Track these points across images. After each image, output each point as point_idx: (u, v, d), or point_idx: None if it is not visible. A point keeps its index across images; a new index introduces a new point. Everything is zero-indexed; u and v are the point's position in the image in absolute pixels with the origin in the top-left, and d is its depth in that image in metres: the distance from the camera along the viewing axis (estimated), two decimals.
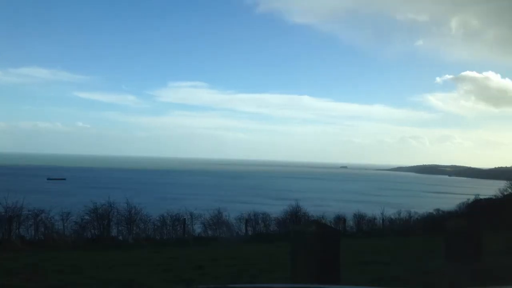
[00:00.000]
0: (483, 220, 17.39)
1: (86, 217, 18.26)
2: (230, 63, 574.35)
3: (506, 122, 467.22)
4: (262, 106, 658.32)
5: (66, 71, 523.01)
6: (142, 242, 17.71)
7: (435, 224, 20.94)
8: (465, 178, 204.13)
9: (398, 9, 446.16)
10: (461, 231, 6.85)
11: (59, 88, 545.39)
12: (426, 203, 50.80)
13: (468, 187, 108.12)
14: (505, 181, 34.59)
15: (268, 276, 9.29)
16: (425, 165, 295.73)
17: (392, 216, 26.55)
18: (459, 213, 27.35)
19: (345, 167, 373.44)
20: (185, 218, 20.17)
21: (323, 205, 45.80)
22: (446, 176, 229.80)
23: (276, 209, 24.76)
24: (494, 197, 32.96)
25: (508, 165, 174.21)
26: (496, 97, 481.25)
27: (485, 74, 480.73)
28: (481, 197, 34.90)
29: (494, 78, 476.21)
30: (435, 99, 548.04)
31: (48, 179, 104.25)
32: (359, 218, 24.55)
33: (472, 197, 34.32)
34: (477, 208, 27.88)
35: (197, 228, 20.84)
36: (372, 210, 27.07)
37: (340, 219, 23.61)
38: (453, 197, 60.31)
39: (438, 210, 28.91)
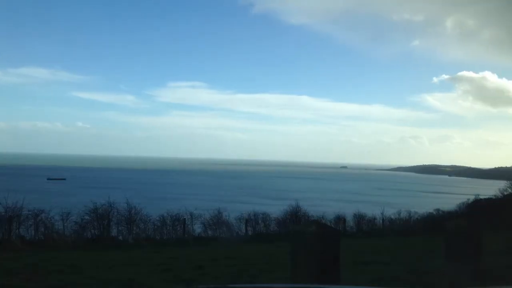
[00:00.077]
0: (483, 220, 17.41)
1: (86, 217, 18.27)
2: (229, 63, 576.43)
3: (505, 122, 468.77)
4: (261, 106, 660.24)
5: (65, 71, 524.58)
6: (142, 242, 17.70)
7: (435, 224, 20.94)
8: (465, 178, 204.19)
9: (393, 10, 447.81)
10: (461, 231, 6.84)
11: (59, 88, 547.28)
12: (426, 203, 50.79)
13: (468, 187, 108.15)
14: (505, 181, 34.60)
15: (268, 276, 9.29)
16: (425, 165, 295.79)
17: (392, 216, 26.57)
18: (459, 213, 27.36)
19: (345, 167, 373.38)
20: (185, 218, 20.17)
21: (323, 205, 45.79)
22: (446, 176, 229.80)
23: (276, 209, 24.75)
24: (494, 197, 32.97)
25: (508, 165, 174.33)
26: (493, 97, 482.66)
27: (481, 74, 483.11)
28: (481, 197, 34.91)
29: (491, 78, 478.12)
30: (433, 99, 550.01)
31: (48, 179, 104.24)
32: (359, 218, 24.55)
33: (472, 197, 34.33)
34: (477, 208, 27.88)
35: (197, 228, 20.84)
36: (372, 210, 27.08)
37: (340, 219, 23.62)
38: (453, 197, 60.31)
39: (438, 210, 28.93)
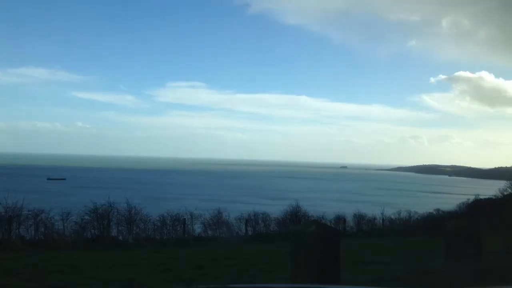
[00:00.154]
0: (483, 220, 17.40)
1: (86, 217, 18.26)
2: (227, 63, 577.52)
3: (504, 122, 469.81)
4: (261, 106, 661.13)
5: (65, 71, 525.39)
6: (142, 242, 17.70)
7: (435, 224, 20.93)
8: (465, 178, 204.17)
9: (389, 10, 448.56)
10: (461, 231, 6.84)
11: (58, 88, 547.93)
12: (425, 203, 50.79)
13: (468, 187, 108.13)
14: (505, 181, 34.58)
15: (268, 276, 9.29)
16: (425, 165, 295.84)
17: (392, 216, 26.56)
18: (459, 213, 27.35)
19: (345, 167, 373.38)
20: (185, 218, 20.17)
21: (323, 205, 45.80)
22: (446, 176, 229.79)
23: (276, 209, 24.74)
24: (494, 197, 32.94)
25: (508, 165, 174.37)
26: (490, 97, 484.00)
27: (478, 74, 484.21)
28: (481, 197, 34.88)
29: (488, 78, 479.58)
30: (431, 99, 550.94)
31: (48, 179, 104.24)
32: (359, 218, 24.54)
33: (472, 197, 34.31)
34: (477, 208, 27.86)
35: (197, 228, 20.84)
36: (372, 210, 27.07)
37: (340, 219, 23.61)
38: (453, 197, 60.32)
39: (438, 210, 28.91)
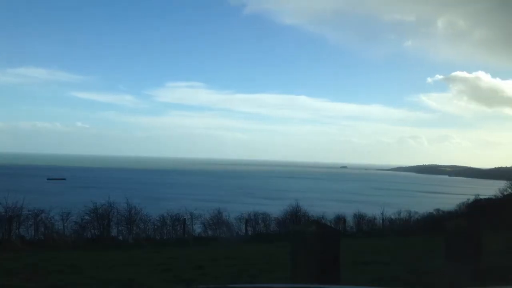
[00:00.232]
0: (483, 220, 17.40)
1: (86, 217, 18.26)
2: (226, 63, 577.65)
3: (502, 122, 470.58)
4: (260, 106, 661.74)
5: (64, 71, 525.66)
6: (142, 242, 17.70)
7: (435, 224, 20.93)
8: (465, 178, 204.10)
9: (384, 10, 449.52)
10: (461, 231, 6.84)
11: (58, 88, 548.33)
12: (425, 203, 50.75)
13: (468, 187, 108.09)
14: (505, 181, 34.57)
15: (268, 276, 9.29)
16: (425, 165, 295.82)
17: (392, 216, 26.56)
18: (459, 213, 27.35)
19: (345, 167, 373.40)
20: (185, 218, 20.17)
21: (323, 205, 45.77)
22: (446, 176, 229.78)
23: (276, 209, 24.73)
24: (494, 197, 32.93)
25: (508, 165, 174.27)
26: (487, 97, 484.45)
27: (475, 74, 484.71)
28: (481, 197, 34.86)
29: (485, 78, 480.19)
30: (429, 99, 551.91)
31: (48, 179, 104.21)
32: (359, 218, 24.55)
33: (472, 197, 34.30)
34: (477, 208, 27.85)
35: (197, 228, 20.84)
36: (372, 210, 27.06)
37: (340, 219, 23.61)
38: (453, 197, 60.30)
39: (438, 210, 28.91)
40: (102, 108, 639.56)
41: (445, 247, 6.87)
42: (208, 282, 8.59)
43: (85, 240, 17.50)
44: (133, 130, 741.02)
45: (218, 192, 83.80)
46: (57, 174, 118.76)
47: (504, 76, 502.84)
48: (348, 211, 26.56)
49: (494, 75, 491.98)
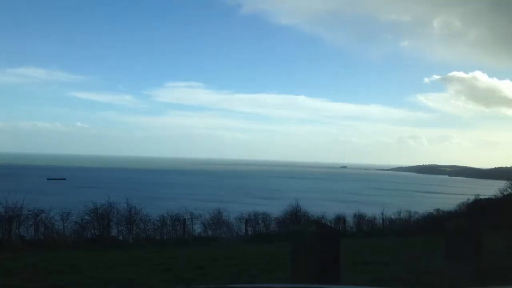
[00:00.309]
0: (483, 220, 17.40)
1: (86, 217, 18.27)
2: (224, 64, 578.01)
3: (501, 122, 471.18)
4: (260, 106, 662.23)
5: (63, 71, 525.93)
6: (142, 242, 17.70)
7: (435, 224, 20.93)
8: (465, 178, 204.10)
9: (380, 10, 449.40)
10: (461, 231, 6.84)
11: (57, 88, 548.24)
12: (425, 203, 50.77)
13: (468, 187, 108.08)
14: (505, 181, 34.56)
15: (268, 276, 9.29)
16: (425, 165, 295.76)
17: (392, 216, 26.56)
18: (459, 213, 27.34)
19: (345, 167, 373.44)
20: (185, 218, 20.17)
21: (321, 205, 45.78)
22: (446, 176, 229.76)
23: (276, 209, 24.74)
24: (494, 197, 32.92)
25: (508, 165, 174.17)
26: (485, 97, 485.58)
27: (471, 74, 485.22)
28: (481, 197, 34.86)
29: (482, 78, 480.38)
30: (426, 100, 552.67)
31: (48, 179, 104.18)
32: (359, 218, 24.55)
33: (472, 197, 34.29)
34: (477, 208, 27.85)
35: (197, 228, 20.84)
36: (372, 210, 27.07)
37: (340, 219, 23.62)
38: (453, 197, 60.30)
39: (438, 210, 28.90)
40: (101, 108, 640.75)
41: (445, 247, 6.87)
42: (208, 282, 8.59)
43: (85, 240, 17.51)
44: (133, 130, 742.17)
45: (218, 192, 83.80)
46: (57, 174, 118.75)
47: (501, 76, 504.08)
48: (348, 211, 26.57)
49: (491, 75, 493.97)
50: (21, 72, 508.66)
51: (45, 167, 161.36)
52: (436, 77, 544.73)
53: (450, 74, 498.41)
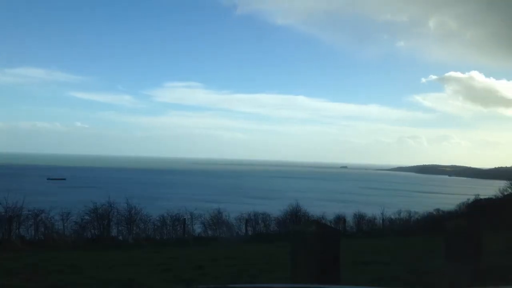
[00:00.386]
0: (483, 220, 17.39)
1: (86, 217, 18.27)
2: (223, 64, 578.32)
3: (500, 122, 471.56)
4: (259, 106, 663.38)
5: (62, 71, 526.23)
6: (142, 242, 17.70)
7: (435, 224, 20.93)
8: (465, 178, 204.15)
9: (376, 11, 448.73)
10: (461, 231, 6.84)
11: (57, 88, 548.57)
12: (425, 203, 50.76)
13: (468, 187, 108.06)
14: (505, 181, 34.55)
15: (268, 276, 9.29)
16: (425, 165, 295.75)
17: (392, 216, 26.56)
18: (459, 213, 27.34)
19: (345, 167, 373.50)
20: (185, 218, 20.17)
21: (321, 205, 45.77)
22: (446, 176, 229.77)
23: (276, 209, 24.73)
24: (494, 197, 32.90)
25: (508, 165, 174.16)
26: (482, 97, 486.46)
27: (468, 74, 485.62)
28: (481, 197, 34.85)
29: (478, 78, 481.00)
30: (424, 100, 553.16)
31: (48, 179, 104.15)
32: (359, 218, 24.55)
33: (472, 197, 34.29)
34: (477, 208, 27.85)
35: (197, 228, 20.84)
36: (372, 210, 27.07)
37: (340, 219, 23.62)
38: (453, 197, 60.29)
39: (438, 210, 28.90)
40: (101, 108, 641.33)
41: (445, 247, 6.87)
42: (208, 282, 8.59)
43: (85, 240, 17.50)
44: (132, 130, 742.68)
45: (218, 192, 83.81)
46: (57, 174, 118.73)
47: (498, 76, 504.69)
48: (348, 211, 26.56)
49: (487, 75, 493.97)
50: (20, 72, 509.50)
51: (45, 167, 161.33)
52: (433, 77, 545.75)
53: (447, 74, 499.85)
